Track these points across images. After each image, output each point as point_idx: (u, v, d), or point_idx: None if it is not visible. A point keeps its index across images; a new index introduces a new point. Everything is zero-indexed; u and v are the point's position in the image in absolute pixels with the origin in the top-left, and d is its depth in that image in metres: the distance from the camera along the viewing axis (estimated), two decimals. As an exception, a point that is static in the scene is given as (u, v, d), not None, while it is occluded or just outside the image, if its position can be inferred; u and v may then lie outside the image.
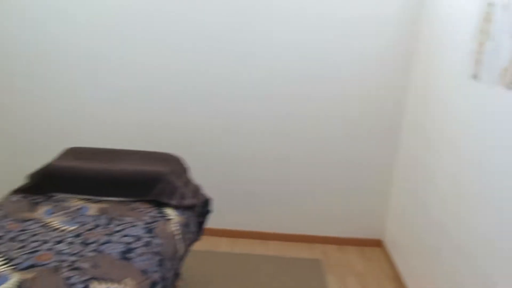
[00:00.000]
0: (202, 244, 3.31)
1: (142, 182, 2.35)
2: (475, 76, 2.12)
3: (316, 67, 3.10)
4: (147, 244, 1.92)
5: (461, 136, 2.24)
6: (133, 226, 2.06)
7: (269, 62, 3.11)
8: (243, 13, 3.02)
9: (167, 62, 3.14)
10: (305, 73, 3.12)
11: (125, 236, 1.97)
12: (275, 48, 3.08)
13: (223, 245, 3.35)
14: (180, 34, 3.08)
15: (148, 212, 2.20)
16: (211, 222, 3.39)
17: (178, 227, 2.17)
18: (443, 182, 2.41)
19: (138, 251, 1.86)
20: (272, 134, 3.25)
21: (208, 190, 3.27)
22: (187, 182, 2.57)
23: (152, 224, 2.09)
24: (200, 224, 2.55)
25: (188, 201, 2.38)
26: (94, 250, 1.84)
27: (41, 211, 2.15)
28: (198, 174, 3.15)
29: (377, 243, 3.42)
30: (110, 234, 1.97)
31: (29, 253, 1.78)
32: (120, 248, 1.87)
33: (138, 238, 1.96)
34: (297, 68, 3.11)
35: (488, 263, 1.88)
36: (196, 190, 2.56)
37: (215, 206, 3.34)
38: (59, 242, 1.88)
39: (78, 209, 2.19)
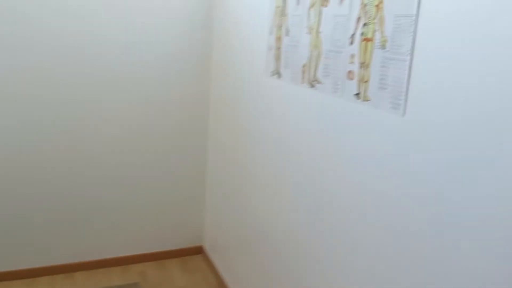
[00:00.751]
0: (-14, 299, 2.63)
1: None
2: (277, 74, 2.03)
3: (113, 73, 2.69)
4: None
5: (270, 137, 2.14)
6: None
7: (58, 66, 2.57)
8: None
9: None
10: (101, 78, 2.68)
11: None
12: (63, 48, 2.56)
13: (16, 292, 2.73)
14: None
15: None
16: (-5, 267, 2.73)
17: None
18: (255, 182, 2.30)
19: None
20: (60, 149, 2.73)
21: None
22: None
23: None
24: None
25: None
26: None
27: None
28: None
29: (199, 250, 3.22)
30: None
31: None
32: None
33: None
34: (94, 73, 2.65)
35: (299, 261, 1.82)
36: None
37: (-3, 249, 2.70)
38: None
39: None
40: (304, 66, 1.80)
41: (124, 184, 2.92)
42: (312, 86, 1.75)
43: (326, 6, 1.63)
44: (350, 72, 1.52)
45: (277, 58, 2.01)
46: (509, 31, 0.98)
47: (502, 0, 1.00)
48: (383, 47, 1.36)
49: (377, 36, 1.38)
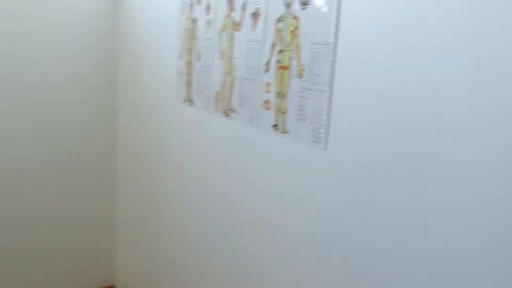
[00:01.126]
0: None
1: None
2: (189, 101, 1.87)
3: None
4: None
5: (182, 170, 1.97)
6: None
7: None
8: None
9: None
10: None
11: None
12: None
13: None
14: None
15: None
16: None
17: None
18: (168, 216, 2.11)
19: None
20: None
21: None
22: None
23: None
24: None
25: None
26: None
27: None
28: None
29: (109, 292, 2.93)
30: None
31: None
32: None
33: None
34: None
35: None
36: None
37: None
38: None
39: None
40: (217, 93, 1.66)
41: (22, 224, 2.57)
42: (227, 115, 1.61)
43: (238, 30, 1.52)
44: (266, 101, 1.41)
45: (189, 84, 1.86)
46: (432, 58, 0.92)
47: (422, 27, 0.94)
48: (300, 76, 1.26)
49: (294, 64, 1.28)
